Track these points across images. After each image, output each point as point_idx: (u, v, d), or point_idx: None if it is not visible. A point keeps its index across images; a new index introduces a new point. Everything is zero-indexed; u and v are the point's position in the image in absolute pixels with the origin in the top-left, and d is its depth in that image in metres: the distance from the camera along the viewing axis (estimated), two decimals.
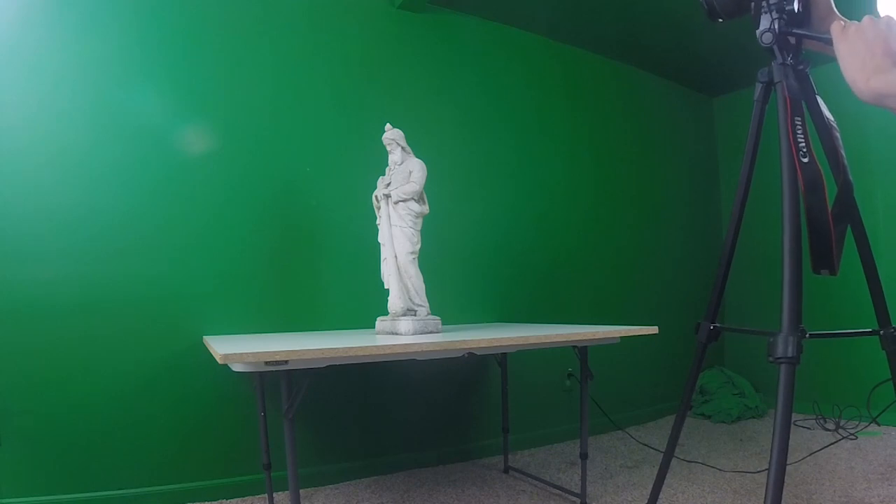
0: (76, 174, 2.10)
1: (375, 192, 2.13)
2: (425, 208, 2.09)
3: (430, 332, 1.99)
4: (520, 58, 3.26)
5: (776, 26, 1.11)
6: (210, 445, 2.24)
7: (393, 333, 2.00)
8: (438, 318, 2.06)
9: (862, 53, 0.77)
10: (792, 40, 1.12)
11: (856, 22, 0.81)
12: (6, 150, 2.00)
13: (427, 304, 2.06)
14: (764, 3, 1.13)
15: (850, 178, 1.11)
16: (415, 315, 2.04)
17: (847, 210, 1.09)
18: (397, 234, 2.05)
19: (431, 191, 2.12)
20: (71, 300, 2.05)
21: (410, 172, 2.06)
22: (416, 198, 2.06)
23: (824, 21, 1.05)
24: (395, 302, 2.02)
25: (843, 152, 1.13)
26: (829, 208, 1.03)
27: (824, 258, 1.05)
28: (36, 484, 1.97)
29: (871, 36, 0.77)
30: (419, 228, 2.08)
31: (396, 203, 2.05)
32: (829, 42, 0.87)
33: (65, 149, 2.08)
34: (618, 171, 3.67)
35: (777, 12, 1.11)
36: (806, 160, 1.03)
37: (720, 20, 1.23)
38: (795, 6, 1.08)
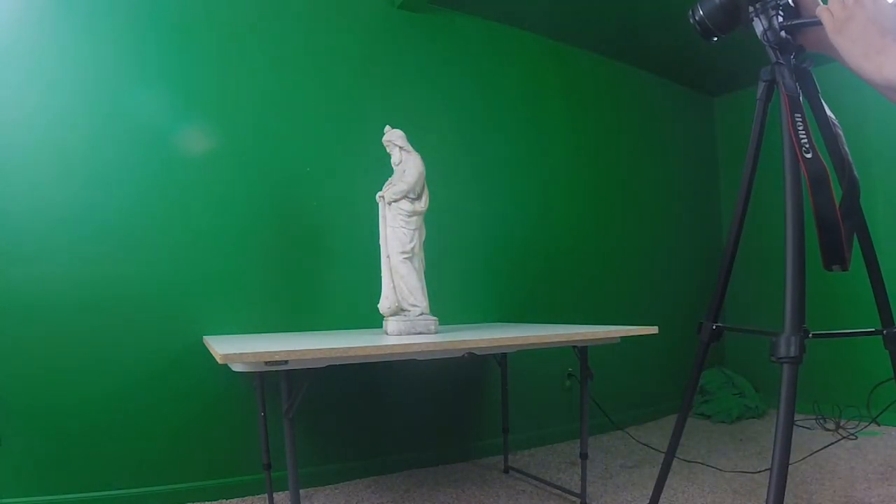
0: (75, 173, 2.09)
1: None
2: (419, 206, 2.07)
3: (420, 333, 1.99)
4: (520, 58, 3.26)
5: (776, 22, 1.11)
6: (210, 445, 2.23)
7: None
8: (434, 318, 2.05)
9: (860, 39, 0.76)
10: (790, 36, 1.12)
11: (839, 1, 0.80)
12: (5, 149, 2.00)
13: (423, 304, 2.05)
14: (752, 9, 1.12)
15: (856, 174, 1.10)
16: (406, 315, 2.03)
17: (853, 209, 1.09)
18: (390, 234, 2.06)
19: (431, 190, 2.11)
20: (70, 300, 2.04)
21: (404, 171, 2.06)
22: (409, 196, 2.05)
23: (811, 13, 1.05)
24: (382, 302, 2.05)
25: (847, 150, 1.13)
26: (837, 203, 1.02)
27: (835, 253, 1.04)
28: (36, 484, 1.96)
29: (863, 18, 0.76)
30: (414, 227, 2.06)
31: (390, 203, 2.06)
32: (819, 24, 0.86)
33: (64, 148, 2.08)
34: (618, 170, 3.67)
35: (773, 10, 1.10)
36: (809, 156, 1.02)
37: (715, 39, 1.22)
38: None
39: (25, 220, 2.01)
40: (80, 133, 2.11)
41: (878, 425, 3.14)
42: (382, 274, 2.06)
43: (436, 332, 2.03)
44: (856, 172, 1.11)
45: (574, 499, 2.23)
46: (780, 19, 1.11)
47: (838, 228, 1.02)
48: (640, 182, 3.80)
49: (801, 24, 1.08)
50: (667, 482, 1.53)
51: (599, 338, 1.97)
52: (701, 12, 1.20)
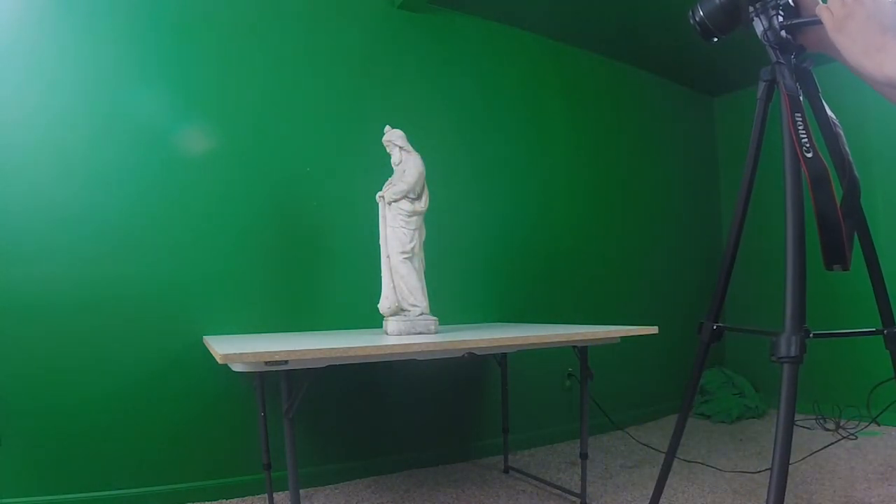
0: (76, 173, 2.09)
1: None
2: (419, 206, 2.07)
3: (420, 333, 1.99)
4: (520, 58, 3.26)
5: (776, 22, 1.11)
6: (210, 445, 2.23)
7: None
8: (434, 318, 2.05)
9: (860, 37, 0.76)
10: (790, 35, 1.12)
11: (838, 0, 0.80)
12: (5, 149, 2.00)
13: (423, 304, 2.05)
14: (752, 9, 1.12)
15: (857, 174, 1.10)
16: (406, 315, 2.03)
17: (854, 208, 1.08)
18: (390, 234, 2.06)
19: (431, 190, 2.11)
20: (70, 300, 2.04)
21: (404, 171, 2.06)
22: (409, 196, 2.05)
23: (811, 13, 1.05)
24: (382, 302, 2.05)
25: (847, 149, 1.13)
26: (838, 202, 1.02)
27: (836, 253, 1.04)
28: (36, 484, 1.96)
29: (863, 16, 0.76)
30: (414, 227, 2.06)
31: (390, 203, 2.06)
32: (819, 23, 0.86)
33: (64, 148, 2.08)
34: (618, 170, 3.67)
35: (773, 9, 1.10)
36: (810, 155, 1.02)
37: (715, 39, 1.22)
38: None
39: (25, 220, 2.00)
40: (80, 133, 2.11)
41: (878, 425, 3.14)
42: (382, 274, 2.06)
43: (436, 332, 2.03)
44: (856, 172, 1.11)
45: (574, 499, 2.23)
46: (781, 19, 1.11)
47: (839, 228, 1.02)
48: (640, 182, 3.80)
49: (801, 24, 1.08)
50: (667, 482, 1.53)
51: (599, 338, 1.97)
52: (701, 13, 1.21)
